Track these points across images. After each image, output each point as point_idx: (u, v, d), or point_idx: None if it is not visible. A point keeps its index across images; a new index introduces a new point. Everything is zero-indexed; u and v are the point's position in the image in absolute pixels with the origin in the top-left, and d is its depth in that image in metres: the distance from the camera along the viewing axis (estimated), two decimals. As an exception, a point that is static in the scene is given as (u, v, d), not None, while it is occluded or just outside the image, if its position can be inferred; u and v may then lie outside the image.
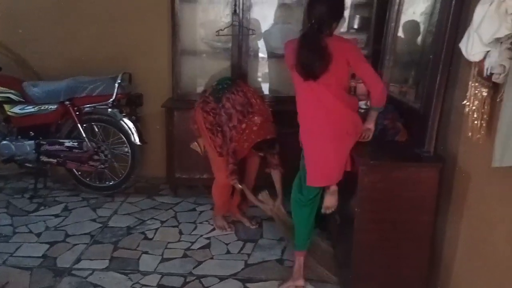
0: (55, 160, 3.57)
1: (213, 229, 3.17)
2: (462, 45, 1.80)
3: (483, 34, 1.64)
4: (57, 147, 3.53)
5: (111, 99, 3.40)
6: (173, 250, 2.91)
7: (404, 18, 2.87)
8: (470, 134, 1.89)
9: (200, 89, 3.65)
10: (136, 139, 3.47)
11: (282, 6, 3.60)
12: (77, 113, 3.47)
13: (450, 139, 2.27)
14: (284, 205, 2.97)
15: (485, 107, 1.80)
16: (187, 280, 2.59)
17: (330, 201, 2.40)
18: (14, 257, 2.78)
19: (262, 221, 3.26)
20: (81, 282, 2.56)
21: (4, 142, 3.55)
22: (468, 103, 1.88)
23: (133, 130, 3.46)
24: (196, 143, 3.08)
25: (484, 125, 1.82)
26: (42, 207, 3.48)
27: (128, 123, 3.46)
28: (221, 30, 3.46)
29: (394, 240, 2.29)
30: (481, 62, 1.76)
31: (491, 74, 1.69)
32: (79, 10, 3.77)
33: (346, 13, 3.51)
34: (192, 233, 3.13)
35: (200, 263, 2.77)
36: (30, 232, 3.10)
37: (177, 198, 3.67)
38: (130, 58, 3.79)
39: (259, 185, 3.08)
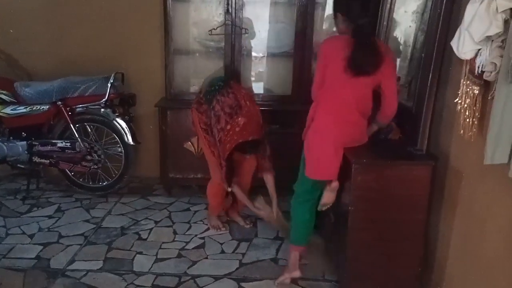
0: (47, 161, 3.54)
1: (208, 229, 3.16)
2: (454, 44, 1.81)
3: (474, 33, 1.66)
4: (49, 147, 3.51)
5: (104, 99, 3.39)
6: (167, 250, 2.90)
7: (396, 17, 2.88)
8: (462, 132, 1.90)
9: (193, 89, 3.64)
10: (129, 139, 3.45)
11: (274, 5, 3.60)
12: (70, 113, 3.44)
13: (442, 137, 2.28)
14: (279, 206, 2.97)
15: (477, 105, 1.82)
16: (182, 280, 2.59)
17: (328, 198, 2.39)
18: (7, 259, 2.76)
19: (256, 221, 3.26)
20: (75, 283, 2.55)
21: (-4, 143, 3.52)
22: (459, 101, 1.90)
23: (126, 130, 3.44)
24: (189, 142, 3.07)
25: (475, 123, 1.83)
26: (35, 208, 3.46)
27: (121, 123, 3.44)
28: (214, 29, 3.46)
29: (388, 239, 2.30)
30: (472, 60, 1.78)
31: (483, 72, 1.70)
32: (71, 9, 3.75)
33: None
34: (187, 233, 3.12)
35: (194, 263, 2.77)
36: (23, 233, 3.08)
37: (171, 198, 3.66)
38: (122, 57, 3.77)
39: (259, 185, 3.05)
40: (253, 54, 3.68)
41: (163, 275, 2.64)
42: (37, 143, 3.51)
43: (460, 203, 2.11)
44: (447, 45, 2.05)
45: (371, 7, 2.32)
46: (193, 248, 2.93)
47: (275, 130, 3.33)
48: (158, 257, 2.82)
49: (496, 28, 1.58)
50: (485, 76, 1.70)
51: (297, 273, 2.53)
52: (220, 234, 3.10)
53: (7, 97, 3.43)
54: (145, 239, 3.04)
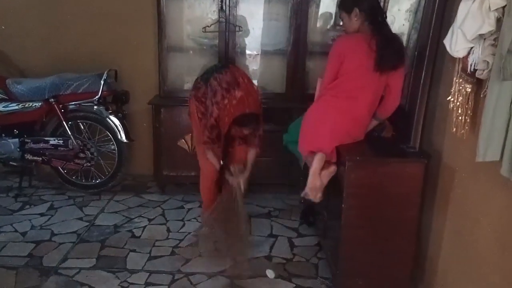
0: (40, 158, 3.52)
1: (201, 226, 3.16)
2: (446, 42, 1.82)
3: (466, 31, 1.67)
4: (42, 145, 3.48)
5: (97, 96, 3.36)
6: (161, 248, 2.89)
7: (389, 15, 2.89)
8: (454, 129, 1.91)
9: (187, 86, 3.63)
10: (122, 136, 3.44)
11: (268, 2, 3.60)
12: (62, 110, 3.42)
13: (435, 135, 2.30)
14: (249, 181, 2.91)
15: (469, 102, 1.83)
16: (175, 278, 2.59)
17: (310, 182, 2.37)
18: (-1, 257, 2.75)
19: (250, 218, 3.26)
20: (67, 281, 2.54)
21: (-12, 140, 3.49)
22: (452, 99, 1.91)
23: (120, 127, 3.42)
24: (183, 140, 3.06)
25: (468, 120, 1.85)
26: (28, 206, 3.43)
27: (114, 121, 3.42)
28: (208, 26, 3.45)
29: (380, 236, 2.32)
30: (465, 58, 1.79)
31: (475, 70, 1.72)
32: (64, 6, 3.72)
33: (333, 10, 3.53)
34: (180, 231, 3.12)
35: (188, 260, 2.77)
36: (16, 231, 3.06)
37: (164, 196, 3.65)
38: (116, 55, 3.75)
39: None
40: (247, 51, 3.67)
41: (156, 272, 2.63)
42: (29, 141, 3.48)
43: (452, 200, 2.12)
44: (440, 43, 2.06)
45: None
46: (186, 246, 2.93)
47: (269, 128, 3.33)
48: (151, 254, 2.82)
49: (488, 26, 1.59)
50: (477, 74, 1.71)
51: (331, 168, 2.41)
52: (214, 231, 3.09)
53: (-1, 94, 3.41)
54: (139, 237, 3.03)
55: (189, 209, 3.44)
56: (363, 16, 2.30)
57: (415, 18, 2.58)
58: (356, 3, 2.32)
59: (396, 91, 2.36)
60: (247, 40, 3.64)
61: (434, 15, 2.13)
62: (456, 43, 1.74)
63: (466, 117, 1.85)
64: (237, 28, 3.45)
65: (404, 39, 2.73)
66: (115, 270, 2.65)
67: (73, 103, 3.44)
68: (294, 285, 2.54)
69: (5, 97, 3.42)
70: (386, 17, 2.40)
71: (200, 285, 2.54)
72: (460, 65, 1.85)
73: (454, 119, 1.90)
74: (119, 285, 2.51)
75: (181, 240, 2.99)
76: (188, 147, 3.05)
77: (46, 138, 3.49)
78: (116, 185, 3.74)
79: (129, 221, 3.23)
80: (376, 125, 2.51)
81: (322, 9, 3.57)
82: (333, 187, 2.41)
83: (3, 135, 3.51)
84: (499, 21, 1.57)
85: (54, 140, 3.47)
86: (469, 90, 1.82)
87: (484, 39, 1.64)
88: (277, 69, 3.64)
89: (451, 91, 1.92)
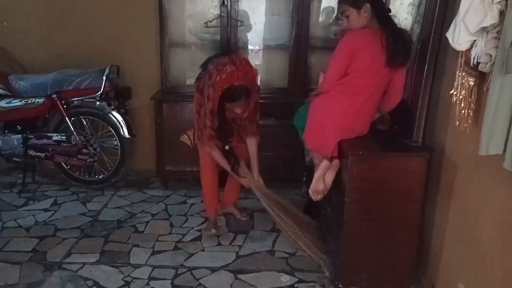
0: (43, 154, 3.53)
1: (204, 221, 3.17)
2: (449, 35, 1.81)
3: (469, 24, 1.66)
4: (45, 141, 3.49)
5: (99, 92, 3.37)
6: (164, 243, 2.90)
7: (392, 9, 2.87)
8: (457, 123, 1.91)
9: (189, 81, 3.63)
10: (125, 132, 3.44)
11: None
12: (65, 106, 3.43)
13: (438, 129, 2.29)
14: (260, 172, 2.90)
15: (472, 96, 1.82)
16: (179, 272, 2.60)
17: (313, 185, 2.41)
18: (3, 252, 2.76)
19: (253, 213, 3.27)
20: (71, 276, 2.55)
21: (-9, 136, 3.50)
22: (455, 93, 1.90)
23: (122, 123, 3.43)
24: (185, 135, 3.06)
25: (471, 114, 1.84)
26: (31, 202, 3.45)
27: (116, 116, 3.43)
28: (210, 21, 3.44)
29: (383, 230, 2.32)
30: (467, 52, 1.78)
31: (478, 63, 1.71)
32: (66, 2, 3.72)
33: (335, 4, 3.51)
34: (183, 226, 3.13)
35: (191, 255, 2.78)
36: (20, 226, 3.07)
37: (167, 191, 3.66)
38: (118, 50, 3.75)
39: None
40: (249, 46, 3.67)
41: (160, 267, 2.64)
42: (32, 137, 3.49)
43: (455, 194, 2.12)
44: (442, 37, 2.05)
45: None
46: (189, 241, 2.94)
47: (272, 123, 3.33)
48: (154, 249, 2.83)
49: (491, 19, 1.58)
50: (480, 68, 1.71)
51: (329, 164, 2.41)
52: (217, 226, 3.09)
53: (1, 90, 3.41)
54: (142, 232, 3.04)
55: (192, 204, 3.45)
56: (372, 11, 2.28)
57: (418, 12, 2.56)
58: None
59: (400, 85, 2.37)
60: (249, 35, 3.64)
61: (437, 8, 2.12)
62: (459, 36, 1.73)
63: (469, 111, 1.84)
64: (239, 23, 3.44)
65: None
66: (118, 264, 2.66)
67: (75, 99, 3.45)
68: (297, 279, 2.55)
69: (8, 93, 3.43)
70: (390, 11, 2.39)
71: (203, 279, 2.54)
72: (463, 59, 1.84)
73: (457, 112, 1.89)
74: (122, 279, 2.52)
75: (184, 235, 3.00)
76: (191, 142, 3.05)
77: (49, 134, 3.50)
78: (119, 181, 3.76)
79: (132, 216, 3.24)
80: (377, 117, 2.51)
81: (324, 4, 3.56)
82: (336, 182, 2.41)
83: (6, 131, 3.53)
84: (502, 13, 1.56)
85: (57, 136, 3.48)
86: (472, 83, 1.81)
87: (487, 32, 1.64)
88: (279, 64, 3.63)
89: (453, 84, 1.91)
